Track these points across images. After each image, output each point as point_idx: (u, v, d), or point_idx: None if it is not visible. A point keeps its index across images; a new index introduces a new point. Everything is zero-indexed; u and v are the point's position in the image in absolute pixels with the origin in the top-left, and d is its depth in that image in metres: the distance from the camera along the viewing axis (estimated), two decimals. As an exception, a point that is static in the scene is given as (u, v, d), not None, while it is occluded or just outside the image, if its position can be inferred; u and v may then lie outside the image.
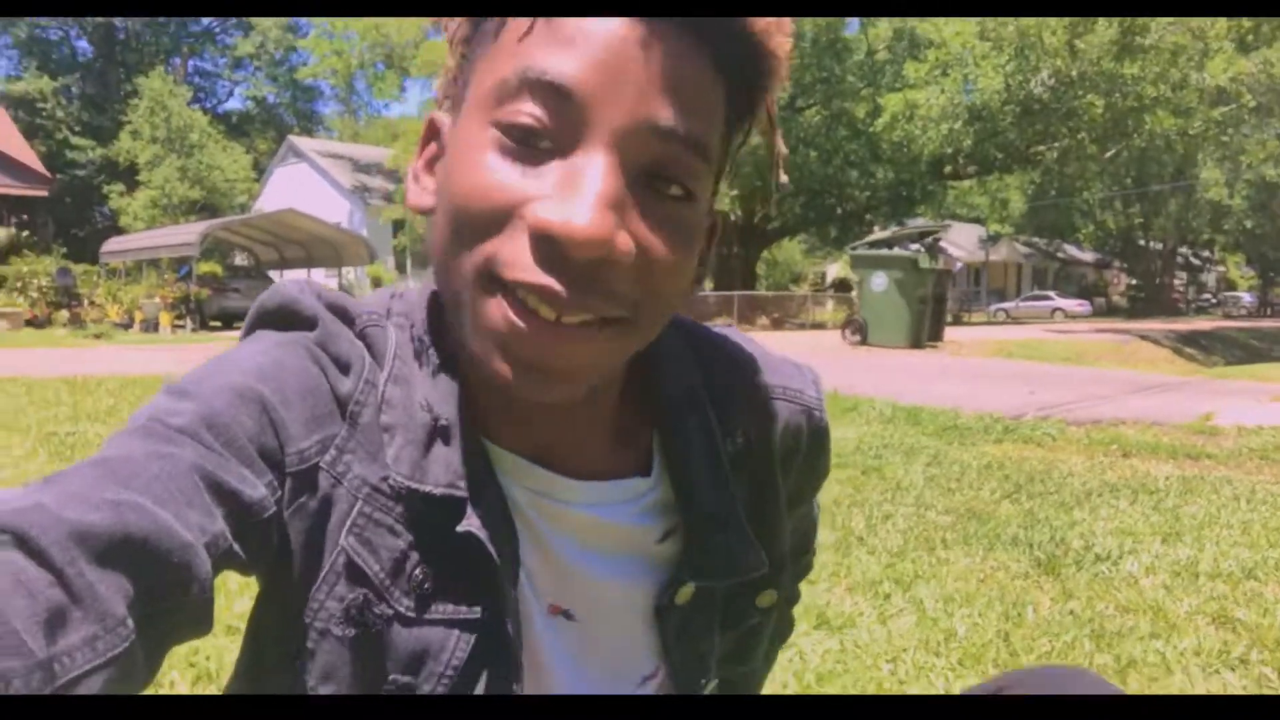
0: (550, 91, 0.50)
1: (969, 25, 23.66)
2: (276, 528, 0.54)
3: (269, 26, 40.96)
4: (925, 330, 12.75)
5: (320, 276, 25.15)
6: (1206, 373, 11.64)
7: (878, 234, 15.33)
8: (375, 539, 0.57)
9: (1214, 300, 48.06)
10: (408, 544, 0.58)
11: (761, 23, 0.53)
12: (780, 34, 0.54)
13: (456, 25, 0.58)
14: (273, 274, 24.10)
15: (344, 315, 0.61)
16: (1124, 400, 7.56)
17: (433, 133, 0.61)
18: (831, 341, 14.08)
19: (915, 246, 12.56)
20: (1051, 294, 38.36)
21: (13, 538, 0.40)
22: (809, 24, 24.70)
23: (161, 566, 0.44)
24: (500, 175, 0.51)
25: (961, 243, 37.19)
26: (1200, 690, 2.10)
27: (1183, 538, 3.43)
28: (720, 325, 0.80)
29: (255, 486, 0.52)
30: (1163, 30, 20.09)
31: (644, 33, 0.50)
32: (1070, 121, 23.81)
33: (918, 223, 23.96)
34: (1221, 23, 19.29)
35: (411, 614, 0.58)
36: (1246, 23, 17.54)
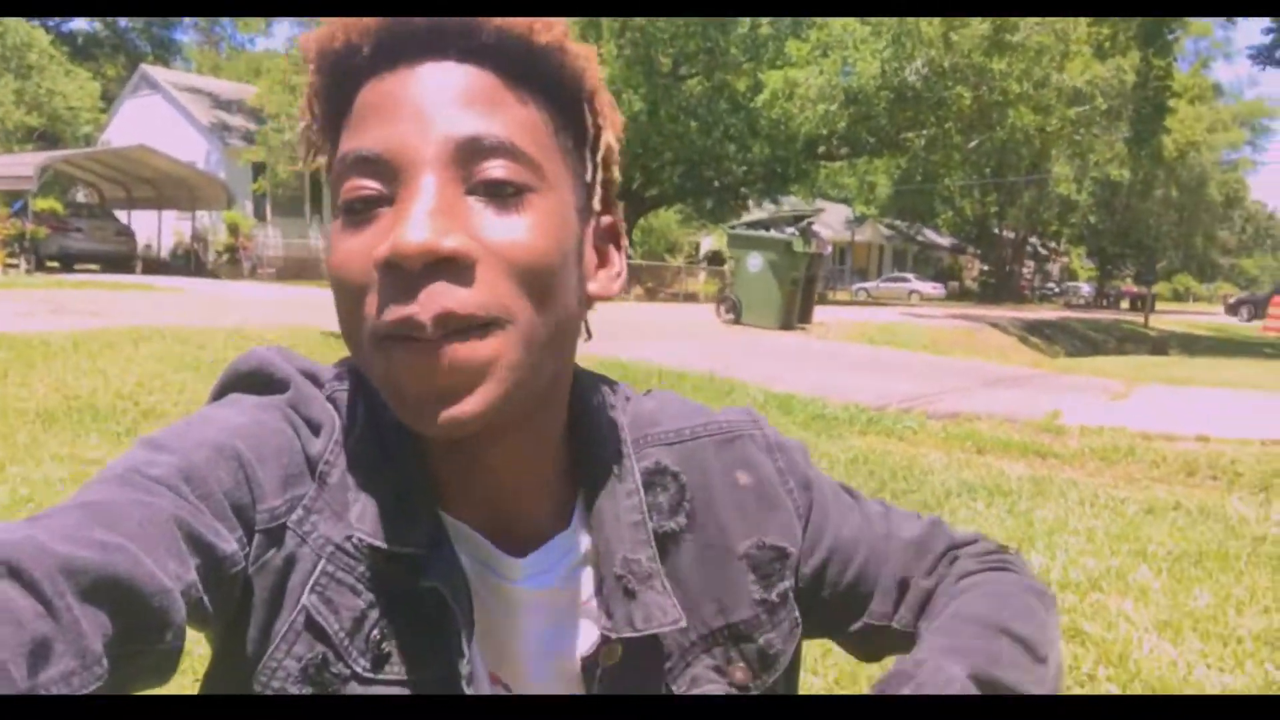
0: (365, 163, 0.55)
1: (850, 9, 24.11)
2: (242, 584, 0.56)
3: (122, -57, 38.02)
4: (796, 312, 13.05)
5: (172, 219, 23.73)
6: (1050, 365, 12.35)
7: (755, 214, 15.55)
8: (336, 598, 0.58)
9: (1057, 289, 51.14)
10: (367, 603, 0.59)
11: (518, 24, 0.56)
12: (549, 30, 0.57)
13: (321, 165, 0.63)
14: (119, 213, 22.57)
15: (314, 379, 0.64)
16: (978, 393, 7.94)
17: None
18: (705, 317, 14.25)
19: (790, 229, 12.80)
20: (910, 276, 39.98)
21: (5, 567, 0.41)
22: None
23: (142, 610, 0.46)
24: (348, 244, 0.55)
25: (830, 223, 38.22)
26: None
27: (1035, 544, 3.62)
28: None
29: (228, 541, 0.54)
30: (1030, 29, 21.00)
31: (421, 72, 0.56)
32: (939, 111, 24.67)
33: (792, 202, 24.47)
34: (1082, 26, 20.32)
35: (367, 673, 0.59)
36: (1105, 29, 18.51)
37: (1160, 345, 20.20)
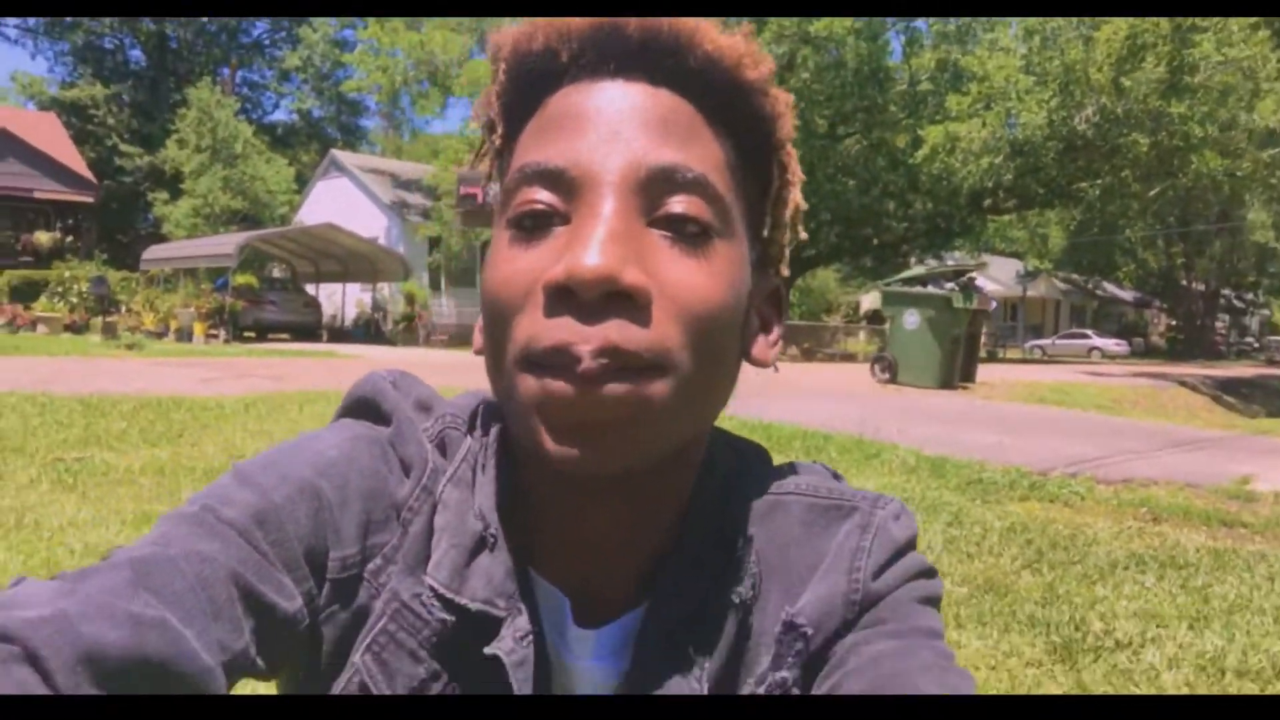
0: (546, 176, 0.52)
1: (1013, 59, 23.46)
2: (308, 639, 0.53)
3: (316, 41, 41.62)
4: (957, 371, 12.53)
5: (355, 291, 25.38)
6: (1245, 425, 11.30)
7: (912, 270, 15.14)
8: (394, 662, 0.54)
9: (1257, 344, 47.08)
10: (429, 673, 0.55)
11: (732, 53, 0.54)
12: (757, 67, 0.55)
13: (496, 179, 0.60)
14: (308, 287, 24.33)
15: (426, 409, 0.62)
16: (1157, 457, 7.34)
17: None
18: (860, 376, 13.89)
19: (950, 284, 12.37)
20: (1089, 332, 37.74)
21: (24, 652, 0.40)
22: (851, 53, 24.64)
23: (176, 689, 0.43)
24: (516, 261, 0.52)
25: (999, 277, 36.79)
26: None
27: (1211, 624, 3.27)
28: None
29: (293, 598, 0.51)
30: (1212, 69, 19.77)
31: (622, 88, 0.53)
32: (1114, 159, 23.51)
33: (954, 259, 23.71)
34: (1272, 63, 18.94)
35: None
36: (1298, 65, 17.19)
37: (1382, 405, 18.18)
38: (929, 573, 0.63)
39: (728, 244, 0.54)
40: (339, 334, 23.67)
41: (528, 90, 0.55)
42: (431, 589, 0.55)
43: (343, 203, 28.02)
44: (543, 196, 0.52)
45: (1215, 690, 2.66)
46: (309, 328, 22.12)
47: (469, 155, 0.64)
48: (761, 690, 0.58)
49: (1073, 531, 4.73)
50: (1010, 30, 25.19)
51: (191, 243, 24.49)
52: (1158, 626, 3.21)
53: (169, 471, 4.57)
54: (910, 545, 0.63)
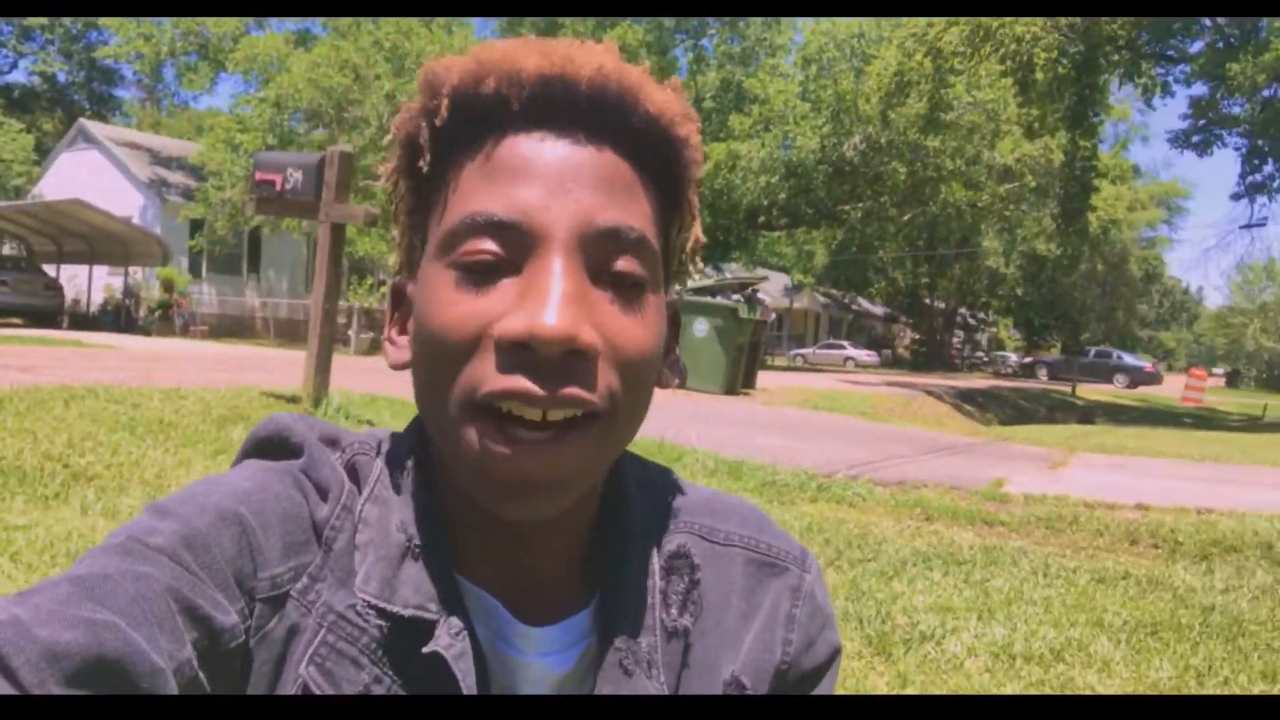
0: (497, 228, 0.53)
1: (792, 85, 24.90)
2: (241, 657, 0.54)
3: (62, -3, 37.60)
4: (740, 377, 13.14)
5: (104, 275, 23.13)
6: (987, 432, 12.60)
7: (698, 280, 15.71)
8: (337, 670, 0.55)
9: (986, 358, 52.45)
10: (371, 677, 0.56)
11: (669, 112, 0.57)
12: (687, 122, 0.59)
13: (399, 200, 0.61)
14: (48, 268, 21.94)
15: (332, 443, 0.63)
16: (922, 461, 8.03)
17: (399, 297, 0.64)
18: (648, 381, 14.24)
19: (736, 296, 12.95)
20: (845, 343, 40.67)
21: None
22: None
23: (131, 690, 0.44)
24: (463, 306, 0.53)
25: (768, 289, 38.83)
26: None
27: (995, 615, 3.62)
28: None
29: (228, 613, 0.52)
30: (964, 108, 21.87)
31: (571, 144, 0.55)
32: (876, 185, 25.51)
33: (733, 269, 24.82)
34: (1012, 107, 21.21)
35: None
36: (1034, 110, 19.37)
37: (1088, 415, 20.78)
38: (837, 652, 0.72)
39: (654, 292, 0.58)
40: (83, 320, 21.49)
41: (469, 128, 0.56)
42: (364, 601, 0.56)
43: (92, 177, 25.44)
44: (491, 247, 0.53)
45: (1010, 674, 2.95)
46: (48, 312, 19.93)
47: (394, 120, 0.61)
48: None
49: (863, 531, 5.09)
50: (789, 58, 26.78)
51: (-97, 211, 21.47)
52: (952, 618, 3.52)
53: (-87, 477, 3.99)
54: (830, 612, 0.72)
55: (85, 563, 0.50)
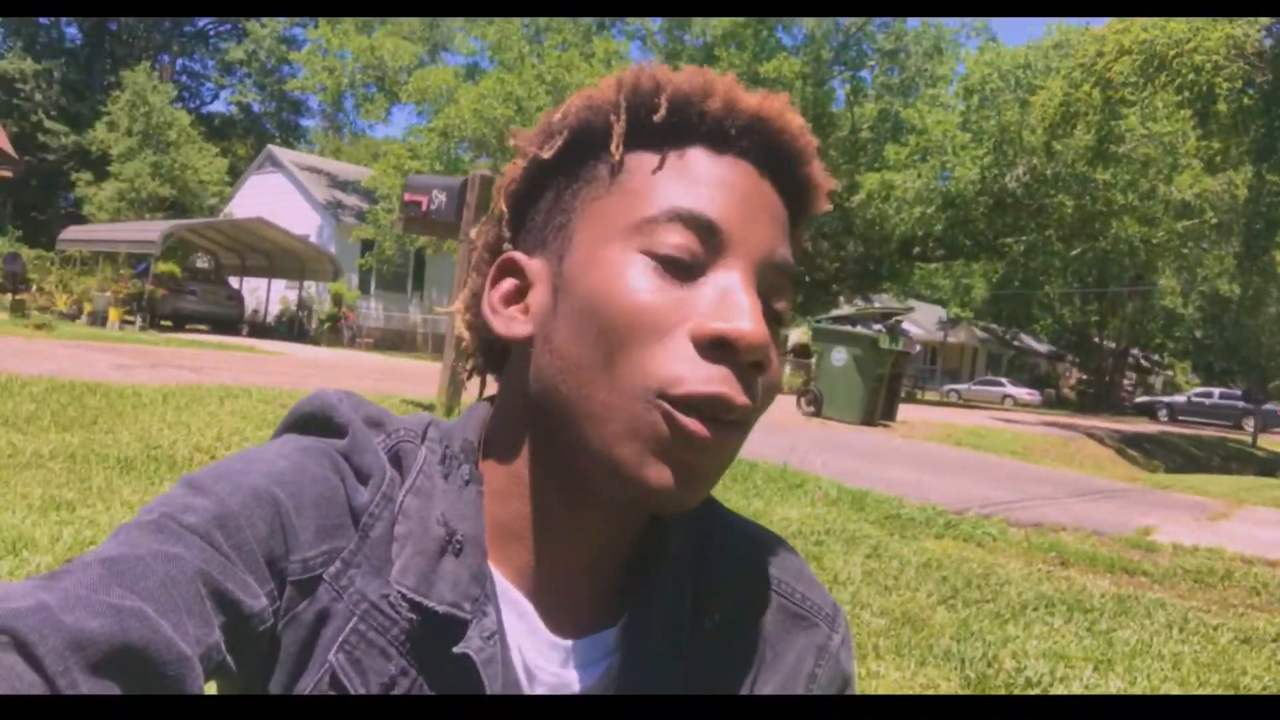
0: (700, 225, 0.56)
1: (951, 116, 24.19)
2: (269, 641, 0.54)
3: (263, 36, 40.74)
4: (879, 409, 12.81)
5: (281, 288, 24.81)
6: (1147, 480, 11.76)
7: (843, 309, 15.46)
8: (365, 660, 0.55)
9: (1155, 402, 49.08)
10: (399, 669, 0.56)
11: (818, 168, 0.62)
12: (824, 174, 0.63)
13: (543, 172, 0.62)
14: (232, 280, 23.72)
15: (377, 425, 0.63)
16: (1066, 503, 7.60)
17: (508, 268, 0.63)
18: (786, 408, 14.09)
19: (878, 326, 12.66)
20: (1004, 380, 38.88)
21: (11, 640, 0.41)
22: (798, 96, 25.10)
23: (156, 679, 0.44)
24: (659, 295, 0.55)
25: (922, 322, 37.73)
26: None
27: (1114, 666, 3.39)
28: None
29: (257, 596, 0.52)
30: (1137, 141, 20.68)
31: (754, 174, 0.59)
32: (1040, 218, 24.38)
33: (884, 300, 24.27)
34: (1192, 140, 19.89)
35: None
36: (1216, 143, 18.09)
37: (1269, 467, 19.07)
38: (849, 684, 0.71)
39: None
40: (261, 329, 23.09)
41: (662, 127, 0.59)
42: (399, 593, 0.56)
43: (276, 198, 27.42)
44: (693, 244, 0.56)
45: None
46: (230, 320, 21.52)
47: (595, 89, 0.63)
48: None
49: (986, 570, 4.86)
50: (950, 88, 26.03)
51: (114, 226, 23.67)
52: (1065, 667, 3.32)
53: (80, 458, 4.40)
54: (852, 674, 0.71)
55: (120, 538, 0.50)
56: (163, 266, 20.22)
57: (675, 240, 0.55)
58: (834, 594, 3.54)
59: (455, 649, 0.55)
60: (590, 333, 0.56)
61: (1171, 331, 42.58)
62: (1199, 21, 15.73)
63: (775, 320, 0.60)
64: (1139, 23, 16.15)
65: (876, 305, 18.45)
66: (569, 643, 0.61)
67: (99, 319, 17.69)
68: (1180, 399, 36.49)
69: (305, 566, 0.55)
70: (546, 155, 0.61)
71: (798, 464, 7.01)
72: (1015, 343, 45.24)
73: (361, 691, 0.55)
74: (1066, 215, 23.72)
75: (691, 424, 0.53)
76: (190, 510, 0.52)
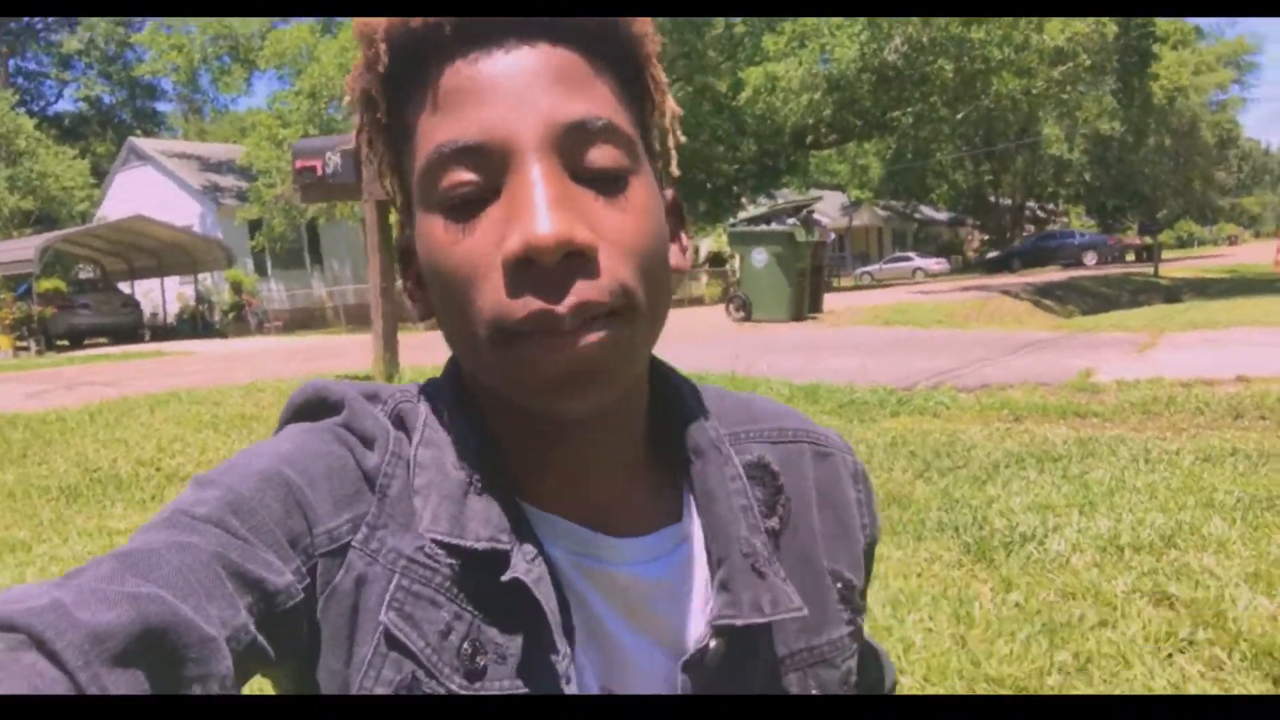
0: (466, 153, 0.53)
1: (821, -4, 24.08)
2: (306, 616, 0.54)
3: (95, 22, 38.11)
4: (806, 302, 12.93)
5: (175, 285, 23.78)
6: (1072, 325, 12.19)
7: (752, 210, 15.47)
8: (417, 613, 0.55)
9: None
10: (452, 615, 0.56)
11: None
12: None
13: (378, 159, 0.62)
14: (122, 285, 22.64)
15: (373, 397, 0.63)
16: (1004, 361, 7.81)
17: (407, 254, 0.64)
18: (716, 318, 14.15)
19: (791, 220, 12.70)
20: (912, 255, 39.68)
21: (29, 639, 0.41)
22: None
23: (180, 663, 0.44)
24: (459, 245, 0.54)
25: (825, 210, 38.11)
26: (1161, 679, 2.10)
27: (1097, 508, 3.50)
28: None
29: (281, 573, 0.52)
30: (1004, -5, 20.88)
31: (515, 52, 0.54)
32: (923, 86, 24.63)
33: (786, 195, 24.38)
34: (1056, -14, 20.18)
35: (465, 689, 0.55)
36: (1080, -15, 18.37)
37: (1174, 294, 20.00)
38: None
39: (640, 178, 0.57)
40: (163, 331, 22.17)
41: (411, 67, 0.56)
42: (434, 540, 0.56)
43: (149, 192, 26.05)
44: (468, 176, 0.54)
45: (1119, 567, 2.84)
46: (130, 328, 20.62)
47: (346, 79, 0.61)
48: (859, 623, 0.70)
49: (950, 439, 4.96)
50: (816, -32, 25.86)
51: (-20, 250, 22.27)
52: (1053, 516, 3.41)
53: (20, 494, 4.15)
54: (869, 480, 0.75)
55: (134, 538, 0.50)
56: (45, 284, 19.20)
57: (450, 180, 0.54)
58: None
59: (504, 577, 0.55)
60: (439, 300, 0.58)
61: (1062, 179, 43.84)
62: None
63: (600, 177, 0.55)
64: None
65: (783, 201, 18.49)
66: (625, 541, 0.62)
67: (-12, 350, 16.74)
68: (1025, 246, 37.68)
69: (332, 537, 0.55)
70: (364, 149, 0.62)
71: (744, 370, 7.03)
72: (916, 215, 46.11)
73: (420, 643, 0.55)
74: (948, 79, 24.01)
75: (534, 351, 0.52)
76: (201, 503, 0.52)
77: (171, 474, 4.47)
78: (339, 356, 9.76)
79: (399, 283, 0.67)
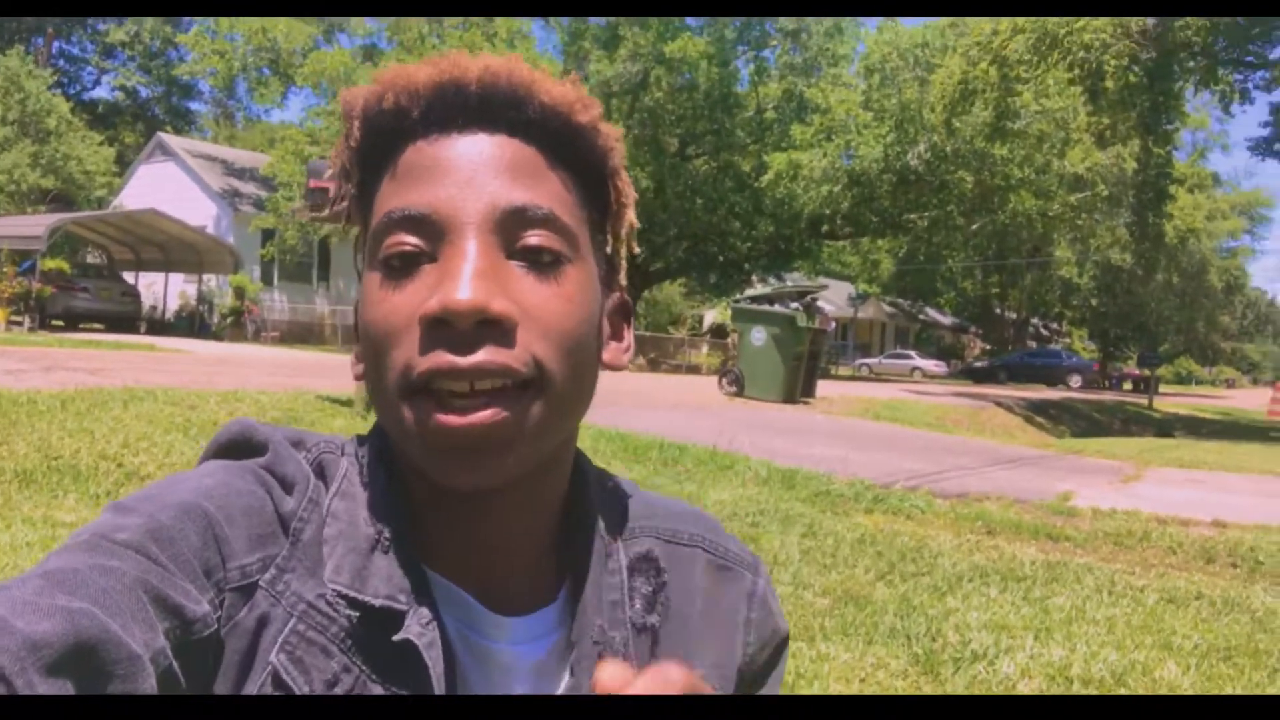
0: (411, 221, 0.57)
1: (854, 95, 24.57)
2: (214, 648, 0.54)
3: (144, 18, 38.79)
4: (799, 386, 12.93)
5: (179, 282, 23.81)
6: (1059, 445, 12.17)
7: (759, 289, 15.57)
8: (307, 658, 0.56)
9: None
10: (341, 666, 0.57)
11: (566, 101, 0.60)
12: (588, 110, 0.61)
13: (352, 227, 0.66)
14: (127, 275, 22.67)
15: (297, 444, 0.64)
16: (986, 472, 7.78)
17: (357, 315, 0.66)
18: (708, 388, 14.13)
19: (794, 304, 12.77)
20: (912, 353, 39.90)
21: None
22: (703, 77, 25.17)
23: (109, 678, 0.45)
24: (389, 300, 0.57)
25: (832, 299, 38.40)
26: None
27: (1053, 634, 3.44)
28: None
29: (198, 602, 0.52)
30: (1031, 117, 21.31)
31: (471, 140, 0.58)
32: (942, 193, 24.97)
33: (795, 279, 24.58)
34: (1082, 116, 20.61)
35: None
36: (1105, 118, 18.78)
37: (1166, 428, 19.99)
38: (786, 640, 0.76)
39: (577, 267, 0.60)
40: (159, 326, 22.12)
41: (381, 144, 0.60)
42: (335, 591, 0.57)
43: (169, 188, 26.23)
44: (409, 239, 0.57)
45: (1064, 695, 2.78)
46: (126, 318, 20.57)
47: (331, 152, 0.65)
48: None
49: (918, 544, 4.91)
50: (851, 68, 26.41)
51: (-8, 222, 22.34)
52: (1008, 637, 3.35)
53: (-30, 472, 4.08)
54: (778, 609, 0.75)
55: (51, 560, 0.50)
56: (50, 263, 19.18)
57: (391, 243, 0.57)
58: (775, 574, 3.48)
59: (395, 637, 0.56)
60: (366, 354, 0.60)
61: (1069, 300, 44.27)
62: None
63: (533, 257, 0.58)
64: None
65: (790, 284, 18.62)
66: (511, 619, 0.63)
67: (-19, 321, 16.68)
68: (1014, 359, 37.83)
69: (243, 573, 0.56)
70: (343, 219, 0.65)
71: (726, 445, 7.00)
72: (921, 316, 46.44)
73: (305, 689, 0.55)
74: (967, 190, 24.37)
75: (431, 413, 0.54)
76: (121, 529, 0.52)
77: (132, 471, 4.41)
78: (327, 376, 9.71)
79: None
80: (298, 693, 0.55)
